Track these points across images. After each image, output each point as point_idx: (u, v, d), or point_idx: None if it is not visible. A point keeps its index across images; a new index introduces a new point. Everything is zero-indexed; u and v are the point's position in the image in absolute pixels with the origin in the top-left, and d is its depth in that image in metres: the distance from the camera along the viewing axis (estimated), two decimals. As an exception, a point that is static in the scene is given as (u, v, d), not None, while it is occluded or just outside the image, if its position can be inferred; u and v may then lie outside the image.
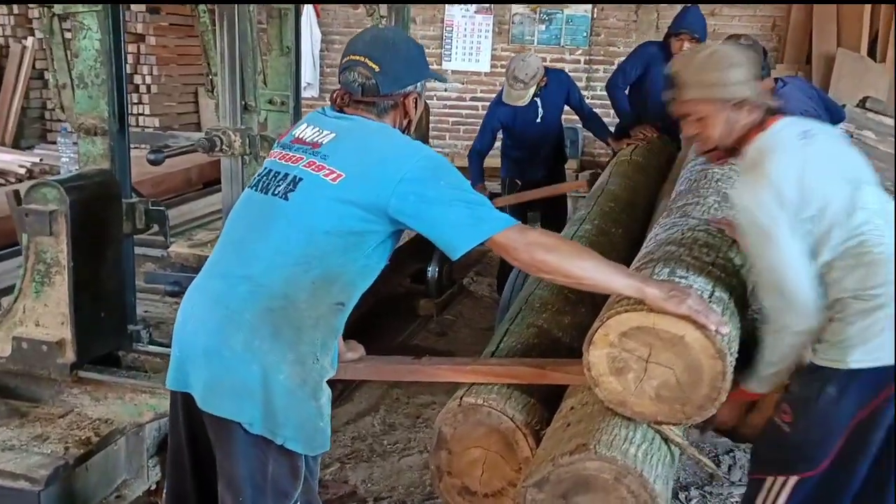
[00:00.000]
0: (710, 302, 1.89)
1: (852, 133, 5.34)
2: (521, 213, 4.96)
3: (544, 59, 5.16)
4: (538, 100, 4.80)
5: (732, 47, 2.25)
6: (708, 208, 2.51)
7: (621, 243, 3.36)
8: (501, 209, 4.91)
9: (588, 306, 2.75)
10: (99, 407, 2.52)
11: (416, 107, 2.00)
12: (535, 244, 1.82)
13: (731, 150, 2.07)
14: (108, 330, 2.59)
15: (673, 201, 2.77)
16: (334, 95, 1.99)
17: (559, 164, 5.19)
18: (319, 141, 1.90)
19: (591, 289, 1.93)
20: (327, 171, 1.83)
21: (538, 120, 4.83)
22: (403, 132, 1.99)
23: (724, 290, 2.01)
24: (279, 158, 1.93)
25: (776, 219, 1.89)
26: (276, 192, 1.86)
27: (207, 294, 1.87)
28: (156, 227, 2.74)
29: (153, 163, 2.92)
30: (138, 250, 3.07)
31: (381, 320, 4.30)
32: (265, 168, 1.96)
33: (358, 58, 1.93)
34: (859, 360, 1.92)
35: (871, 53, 6.25)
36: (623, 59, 5.04)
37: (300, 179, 1.85)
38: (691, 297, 1.80)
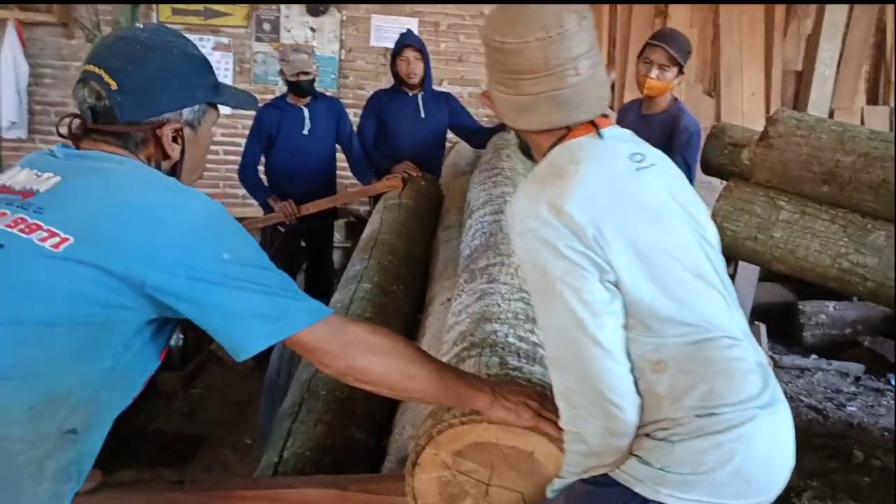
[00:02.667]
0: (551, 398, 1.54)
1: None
2: (290, 254, 4.45)
3: (289, 101, 4.68)
4: (305, 110, 4.37)
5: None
6: (515, 270, 2.19)
7: (404, 303, 3.00)
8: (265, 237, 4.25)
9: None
10: None
11: (182, 143, 1.42)
12: (355, 345, 1.35)
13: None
14: None
15: (470, 259, 2.43)
16: (64, 123, 1.41)
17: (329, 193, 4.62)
18: (34, 188, 1.31)
19: (423, 402, 1.50)
20: (45, 233, 1.23)
21: (304, 132, 4.37)
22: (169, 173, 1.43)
23: None
24: None
25: (566, 256, 1.32)
26: None
27: None
28: None
29: None
30: None
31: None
32: None
33: (93, 68, 1.37)
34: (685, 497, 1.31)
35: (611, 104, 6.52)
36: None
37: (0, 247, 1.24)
38: (536, 401, 1.43)
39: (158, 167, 1.42)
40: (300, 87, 4.32)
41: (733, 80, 6.38)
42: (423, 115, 4.48)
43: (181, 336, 4.17)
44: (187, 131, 1.42)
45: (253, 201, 4.73)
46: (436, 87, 4.86)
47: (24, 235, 1.23)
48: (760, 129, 3.66)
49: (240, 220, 4.39)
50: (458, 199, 3.84)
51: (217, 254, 1.26)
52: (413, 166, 4.36)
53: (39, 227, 1.23)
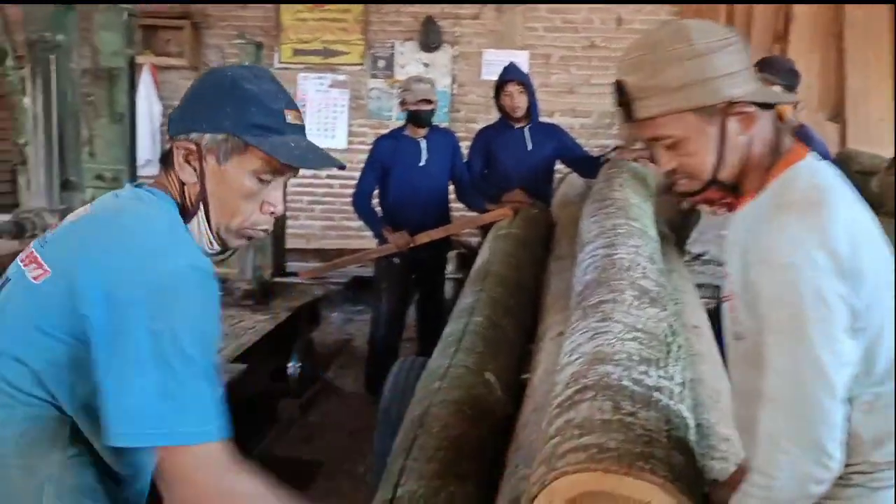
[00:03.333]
0: (670, 447, 1.50)
1: (717, 210, 5.33)
2: (403, 286, 4.53)
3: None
4: (423, 141, 4.45)
5: (697, 22, 1.43)
6: (629, 307, 2.16)
7: (514, 337, 3.01)
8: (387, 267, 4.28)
9: (492, 425, 2.35)
10: None
11: (200, 169, 1.30)
12: (231, 494, 1.19)
13: (732, 188, 1.39)
14: None
15: (582, 296, 2.41)
16: None
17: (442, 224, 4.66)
18: (66, 222, 1.37)
19: None
20: (35, 265, 1.25)
21: (421, 164, 4.45)
22: (191, 216, 1.33)
23: (679, 428, 1.62)
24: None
25: (827, 302, 1.21)
26: None
27: None
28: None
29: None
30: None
31: (235, 426, 3.71)
32: None
33: None
34: None
35: (724, 131, 6.38)
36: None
37: (6, 281, 1.31)
38: None
39: (185, 198, 1.33)
40: (420, 116, 4.41)
41: (859, 106, 6.11)
42: (529, 147, 4.51)
43: (299, 365, 4.30)
44: (210, 160, 1.30)
45: (367, 233, 4.85)
46: (545, 119, 4.87)
47: (23, 267, 1.28)
48: (890, 155, 3.50)
49: (354, 252, 4.52)
50: (569, 228, 3.82)
51: (150, 322, 1.14)
52: (523, 195, 4.38)
53: (35, 260, 1.26)
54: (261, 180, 1.31)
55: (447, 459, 2.01)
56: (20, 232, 2.40)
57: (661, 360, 1.89)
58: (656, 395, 1.69)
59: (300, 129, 1.37)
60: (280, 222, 4.63)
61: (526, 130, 4.53)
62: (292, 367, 4.28)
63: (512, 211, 4.24)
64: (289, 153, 1.31)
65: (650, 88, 1.32)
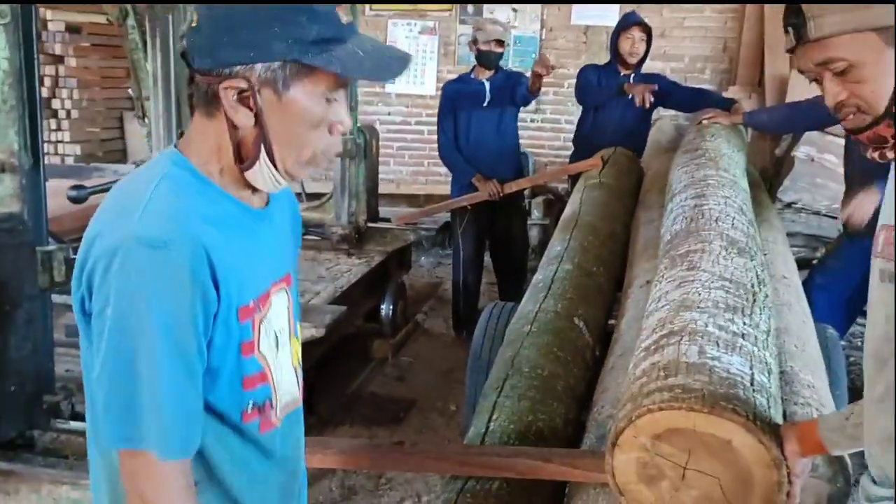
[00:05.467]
0: (752, 389, 1.58)
1: (814, 157, 5.22)
2: (479, 237, 4.65)
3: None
4: (487, 83, 4.50)
5: None
6: (716, 257, 2.22)
7: (605, 283, 3.09)
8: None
9: (580, 366, 2.47)
10: None
11: (256, 108, 1.09)
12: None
13: None
14: (18, 406, 2.16)
15: (671, 245, 2.47)
16: None
17: (513, 170, 4.70)
18: None
19: None
20: None
21: (483, 105, 4.50)
22: (251, 162, 1.13)
23: (762, 373, 1.70)
24: None
25: None
26: None
27: None
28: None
29: (75, 201, 2.53)
30: (56, 298, 2.63)
31: (333, 365, 3.94)
32: None
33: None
34: None
35: (823, 75, 6.16)
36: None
37: None
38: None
39: (236, 143, 1.12)
40: (489, 57, 4.43)
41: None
42: (630, 96, 4.49)
43: (391, 306, 4.49)
44: (266, 94, 1.09)
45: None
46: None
47: None
48: None
49: (444, 198, 4.64)
50: (659, 179, 3.84)
51: (104, 299, 1.04)
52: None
53: None
54: (327, 101, 1.12)
55: (537, 398, 2.13)
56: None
57: (747, 308, 1.95)
58: (741, 341, 1.77)
59: (354, 27, 1.14)
60: (373, 169, 4.78)
61: (630, 78, 4.51)
62: (385, 307, 4.47)
63: (601, 161, 4.27)
64: (362, 66, 1.12)
65: (832, 3, 1.19)
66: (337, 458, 1.88)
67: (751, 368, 1.69)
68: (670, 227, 2.68)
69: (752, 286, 2.11)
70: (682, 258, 2.27)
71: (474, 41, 4.50)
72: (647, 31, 4.46)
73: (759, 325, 1.92)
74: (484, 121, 4.52)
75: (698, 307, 1.89)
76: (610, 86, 4.52)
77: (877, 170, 1.49)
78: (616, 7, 6.54)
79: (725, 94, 6.16)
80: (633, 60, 4.46)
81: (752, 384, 1.62)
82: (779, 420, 1.61)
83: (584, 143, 4.60)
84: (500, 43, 4.43)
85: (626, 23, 4.50)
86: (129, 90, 6.94)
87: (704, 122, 3.86)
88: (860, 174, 3.44)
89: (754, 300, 2.03)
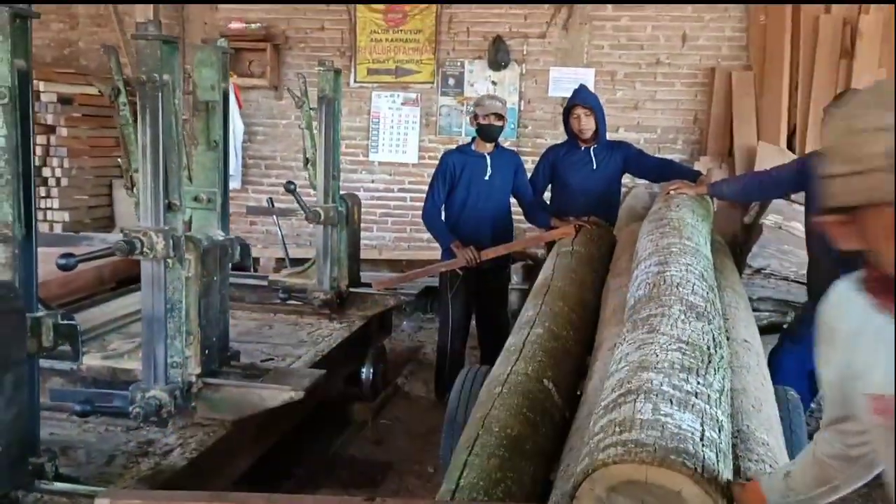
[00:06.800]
0: (701, 444, 1.69)
1: (781, 224, 5.40)
2: (467, 296, 4.76)
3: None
4: (488, 157, 4.67)
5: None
6: (675, 321, 2.35)
7: (574, 348, 3.20)
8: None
9: (549, 426, 2.56)
10: (-10, 563, 2.14)
11: None
12: None
13: None
14: (4, 467, 2.22)
15: (634, 310, 2.60)
16: None
17: (506, 238, 4.88)
18: None
19: None
20: None
21: (486, 178, 4.66)
22: None
23: (713, 429, 1.81)
24: None
25: None
26: None
27: None
28: (66, 345, 2.42)
29: (63, 268, 2.62)
30: (43, 363, 2.72)
31: (312, 429, 4.01)
32: None
33: None
34: None
35: (790, 146, 6.41)
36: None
37: None
38: None
39: None
40: (490, 131, 4.59)
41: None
42: (594, 166, 4.68)
43: (372, 370, 4.57)
44: None
45: (436, 245, 5.07)
46: (611, 135, 5.03)
47: None
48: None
49: (424, 263, 4.80)
50: (629, 247, 3.98)
51: None
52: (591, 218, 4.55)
53: None
54: None
55: (506, 456, 2.22)
56: (131, 250, 2.71)
57: (702, 369, 2.07)
58: (693, 399, 1.88)
59: None
60: (354, 235, 4.92)
61: (592, 150, 4.71)
62: (365, 371, 4.55)
63: (574, 229, 4.42)
64: None
65: None
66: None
67: (701, 425, 1.80)
68: (634, 293, 2.81)
69: (709, 348, 2.23)
70: (644, 322, 2.40)
71: (474, 116, 4.66)
72: (591, 106, 4.63)
73: (713, 384, 2.04)
74: (484, 193, 4.67)
75: (655, 367, 2.01)
76: (575, 161, 4.72)
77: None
78: (592, 81, 6.81)
79: (697, 164, 6.42)
80: (585, 136, 4.66)
81: (701, 439, 1.73)
82: (728, 475, 1.71)
83: (558, 214, 4.77)
84: (500, 117, 4.60)
85: (569, 105, 4.72)
86: (119, 160, 7.13)
87: (671, 192, 4.04)
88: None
89: (709, 361, 2.15)
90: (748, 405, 2.52)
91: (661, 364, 2.04)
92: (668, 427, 1.72)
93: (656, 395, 1.87)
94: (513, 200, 4.86)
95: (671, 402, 1.84)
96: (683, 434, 1.71)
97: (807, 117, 6.30)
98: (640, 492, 1.61)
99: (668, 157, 6.84)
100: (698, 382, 1.99)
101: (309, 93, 4.78)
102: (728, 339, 2.76)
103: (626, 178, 5.09)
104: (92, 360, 3.09)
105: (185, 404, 2.91)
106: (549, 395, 2.73)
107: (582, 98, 4.70)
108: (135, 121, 2.80)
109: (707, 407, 1.90)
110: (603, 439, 1.73)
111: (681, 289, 2.65)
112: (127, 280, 5.05)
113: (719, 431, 1.85)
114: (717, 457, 1.70)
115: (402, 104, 7.35)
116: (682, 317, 2.41)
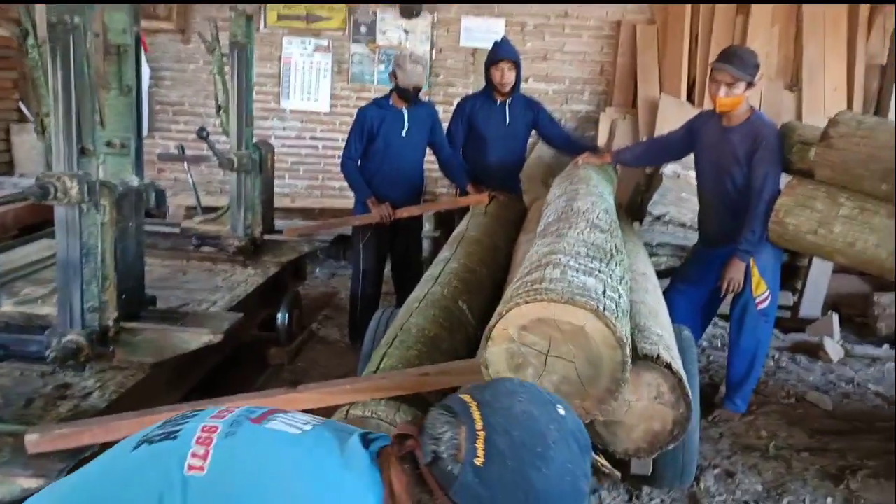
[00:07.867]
0: (603, 296, 1.90)
1: (679, 173, 5.68)
2: (379, 251, 4.86)
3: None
4: (406, 112, 4.71)
5: None
6: (581, 230, 2.55)
7: (486, 282, 3.37)
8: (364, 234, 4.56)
9: (462, 336, 2.73)
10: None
11: None
12: None
13: None
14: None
15: (545, 228, 2.81)
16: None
17: (417, 196, 4.99)
18: (272, 418, 1.27)
19: None
20: (201, 449, 1.18)
21: (403, 134, 4.72)
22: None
23: (613, 292, 2.01)
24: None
25: None
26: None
27: None
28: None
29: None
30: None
31: (230, 371, 4.06)
32: None
33: (471, 405, 1.25)
34: None
35: (690, 98, 6.69)
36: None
37: (172, 432, 1.24)
38: None
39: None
40: (408, 94, 4.64)
41: (815, 75, 6.45)
42: (507, 121, 4.84)
43: (287, 315, 4.64)
44: None
45: (349, 193, 5.13)
46: (523, 87, 5.16)
47: (191, 443, 1.19)
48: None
49: (336, 214, 4.89)
50: (537, 213, 4.19)
51: None
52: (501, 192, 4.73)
53: (206, 443, 1.19)
54: None
55: (423, 351, 2.39)
56: (44, 195, 2.70)
57: (605, 260, 2.27)
58: (597, 272, 2.08)
59: None
60: (268, 183, 4.93)
61: (507, 105, 4.85)
62: (280, 316, 4.62)
63: (488, 198, 4.60)
64: None
65: None
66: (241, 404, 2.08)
67: (604, 287, 1.99)
68: (545, 221, 3.00)
69: (611, 250, 2.41)
70: (554, 233, 2.59)
71: (394, 75, 4.65)
72: (515, 62, 4.77)
73: (615, 272, 2.23)
74: (400, 148, 4.71)
75: (563, 252, 2.21)
76: (489, 114, 4.86)
77: None
78: (502, 31, 6.91)
79: (603, 115, 6.66)
80: (505, 90, 4.80)
81: (604, 294, 1.93)
82: (626, 330, 1.91)
83: (470, 162, 4.91)
84: (418, 88, 4.64)
85: (495, 57, 4.81)
86: (21, 104, 6.86)
87: (579, 161, 4.30)
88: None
89: (611, 258, 2.33)
90: (646, 311, 2.73)
91: (568, 251, 2.24)
92: (575, 283, 1.93)
93: (564, 266, 2.06)
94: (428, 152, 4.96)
95: (577, 272, 2.04)
96: (587, 288, 1.91)
97: (705, 72, 6.58)
98: (549, 329, 1.80)
99: (576, 108, 7.09)
100: (601, 270, 2.18)
101: (222, 41, 4.72)
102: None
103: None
104: (4, 307, 3.06)
105: (104, 348, 2.93)
106: (464, 312, 2.89)
107: (508, 53, 4.80)
108: (45, 63, 2.76)
109: (609, 280, 2.11)
110: (517, 292, 1.91)
111: (587, 214, 2.84)
112: (31, 227, 4.96)
113: (619, 297, 2.04)
114: (616, 309, 1.90)
115: (315, 51, 7.28)
116: (588, 229, 2.60)
